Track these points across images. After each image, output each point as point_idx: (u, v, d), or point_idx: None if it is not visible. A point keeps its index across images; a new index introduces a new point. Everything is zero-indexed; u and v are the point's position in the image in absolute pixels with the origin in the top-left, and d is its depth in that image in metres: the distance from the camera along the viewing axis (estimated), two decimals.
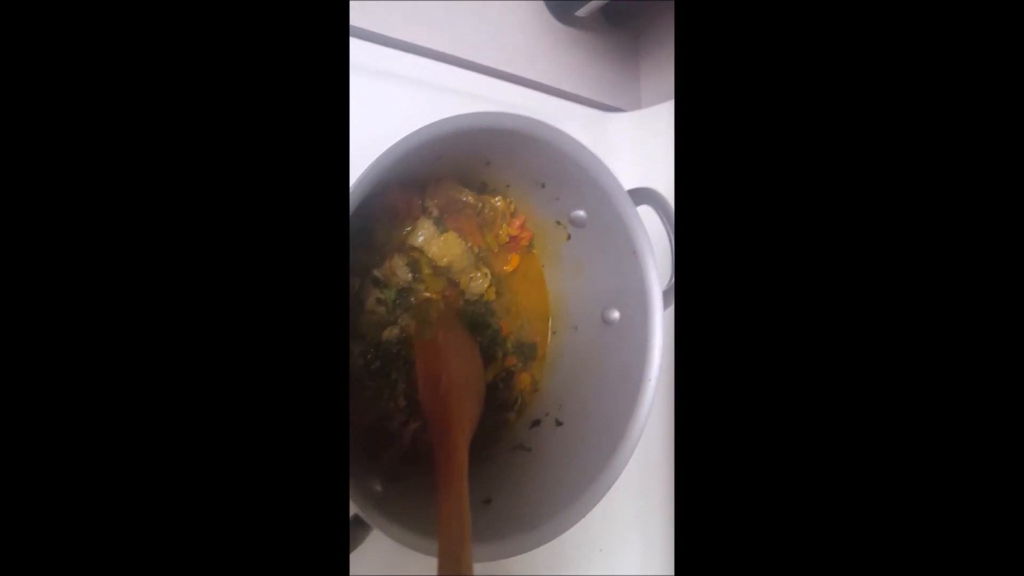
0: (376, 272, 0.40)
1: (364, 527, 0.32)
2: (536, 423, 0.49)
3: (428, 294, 0.42)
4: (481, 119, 0.35)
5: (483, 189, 0.45)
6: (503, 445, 0.49)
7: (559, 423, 0.48)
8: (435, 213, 0.41)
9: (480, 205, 0.44)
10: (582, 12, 0.61)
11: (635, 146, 0.61)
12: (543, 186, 0.43)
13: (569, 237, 0.46)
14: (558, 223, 0.46)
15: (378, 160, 0.33)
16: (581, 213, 0.44)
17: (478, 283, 0.43)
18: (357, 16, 0.48)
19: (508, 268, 0.47)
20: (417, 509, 0.38)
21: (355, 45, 0.48)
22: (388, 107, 0.47)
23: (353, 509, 0.32)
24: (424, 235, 0.39)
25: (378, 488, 0.36)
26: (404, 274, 0.39)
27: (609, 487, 0.41)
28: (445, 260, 0.40)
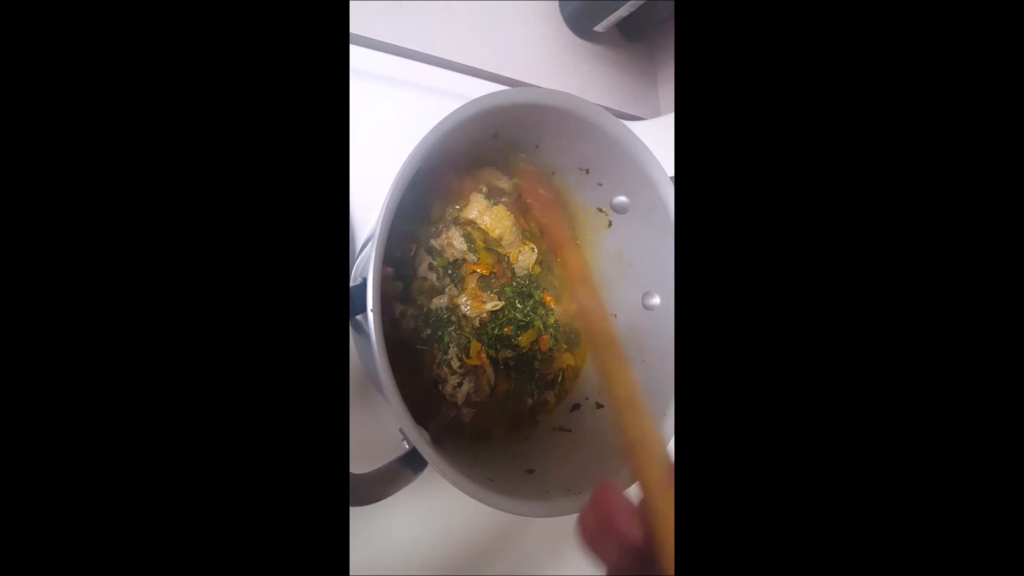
0: (433, 242, 0.42)
1: (418, 464, 0.33)
2: (576, 407, 0.50)
3: (478, 269, 0.44)
4: (531, 95, 0.38)
5: None
6: (542, 428, 0.50)
7: (599, 405, 0.49)
8: (484, 190, 0.44)
9: (517, 193, 0.46)
10: (600, 27, 0.66)
11: (657, 152, 0.65)
12: (587, 172, 0.46)
13: (610, 224, 0.49)
14: (599, 210, 0.48)
15: (433, 130, 0.34)
16: (623, 199, 0.47)
17: (527, 256, 0.45)
18: (393, 33, 0.54)
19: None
20: (462, 462, 0.39)
21: (391, 60, 0.55)
22: (419, 116, 0.51)
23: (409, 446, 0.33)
24: (477, 208, 0.42)
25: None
26: (460, 245, 0.42)
27: None
28: (497, 231, 0.42)
